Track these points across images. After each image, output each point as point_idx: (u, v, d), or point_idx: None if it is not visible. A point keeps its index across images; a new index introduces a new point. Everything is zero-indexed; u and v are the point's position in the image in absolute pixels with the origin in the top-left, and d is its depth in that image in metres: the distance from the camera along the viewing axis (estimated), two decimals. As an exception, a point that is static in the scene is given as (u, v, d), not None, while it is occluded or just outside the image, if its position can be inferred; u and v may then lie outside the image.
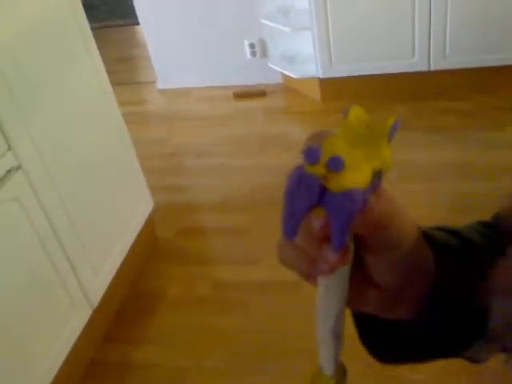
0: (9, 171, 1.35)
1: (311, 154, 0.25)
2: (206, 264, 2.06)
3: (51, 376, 1.49)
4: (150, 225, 2.10)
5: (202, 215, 2.34)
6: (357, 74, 2.66)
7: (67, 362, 1.56)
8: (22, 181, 1.39)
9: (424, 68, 2.57)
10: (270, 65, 2.98)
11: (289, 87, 3.05)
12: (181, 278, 2.01)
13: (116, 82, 1.83)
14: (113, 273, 1.80)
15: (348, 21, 2.53)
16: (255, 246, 2.07)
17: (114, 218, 1.84)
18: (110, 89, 1.82)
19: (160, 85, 3.35)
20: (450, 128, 2.50)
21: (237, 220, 2.24)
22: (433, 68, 2.56)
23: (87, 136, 1.70)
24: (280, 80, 3.07)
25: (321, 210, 0.25)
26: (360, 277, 0.31)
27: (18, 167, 1.38)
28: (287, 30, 2.71)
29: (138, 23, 3.31)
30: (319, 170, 0.25)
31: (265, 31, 2.93)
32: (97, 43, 1.75)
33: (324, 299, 0.31)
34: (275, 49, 2.99)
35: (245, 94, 3.08)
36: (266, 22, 2.82)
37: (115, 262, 1.82)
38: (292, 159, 2.54)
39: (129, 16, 4.07)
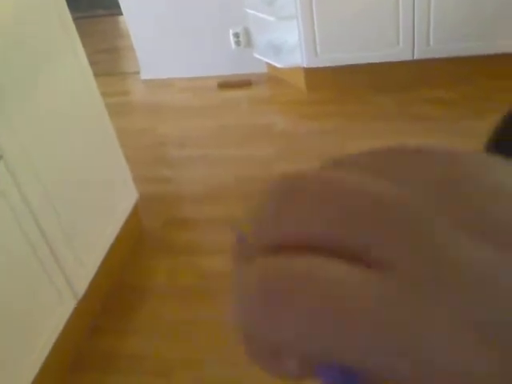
0: (-10, 162, 1.34)
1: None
2: (193, 254, 2.06)
3: (37, 367, 1.48)
4: (135, 215, 2.09)
5: (188, 206, 2.33)
6: (342, 63, 2.66)
7: (53, 353, 1.55)
8: (4, 171, 1.37)
9: (408, 57, 2.58)
10: (255, 54, 2.97)
11: (274, 77, 3.04)
12: (167, 268, 2.01)
13: (99, 73, 1.82)
14: (98, 264, 1.79)
15: (333, 10, 2.53)
16: (241, 236, 2.07)
17: (99, 208, 1.83)
18: (92, 80, 1.80)
19: (144, 75, 3.32)
20: (433, 117, 2.51)
21: (223, 210, 2.24)
22: (416, 57, 2.57)
23: (70, 127, 1.68)
24: (265, 70, 3.06)
25: None
26: None
27: (0, 158, 1.36)
28: (272, 19, 2.70)
29: (121, 13, 3.27)
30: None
31: (249, 20, 2.91)
32: (79, 34, 1.73)
33: None
34: (260, 38, 2.98)
35: (229, 84, 3.07)
36: (251, 11, 2.80)
37: (100, 253, 1.82)
38: (273, 149, 2.55)
39: (111, 6, 4.02)
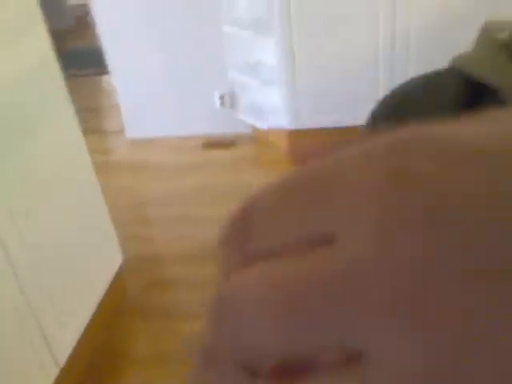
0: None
1: None
2: (178, 319, 2.01)
3: None
4: (119, 278, 2.05)
5: (172, 267, 2.30)
6: (324, 125, 2.73)
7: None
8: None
9: (388, 121, 2.65)
10: (239, 116, 3.03)
11: (258, 138, 3.10)
12: (151, 334, 1.95)
13: (83, 132, 1.83)
14: (81, 329, 1.74)
15: (315, 76, 2.62)
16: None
17: (83, 271, 1.79)
18: (82, 140, 1.80)
19: (128, 134, 3.34)
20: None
21: (206, 272, 2.21)
22: (397, 121, 2.65)
23: (58, 186, 1.67)
24: (249, 130, 3.12)
25: None
26: None
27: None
28: (256, 83, 2.78)
29: (106, 72, 3.33)
30: None
31: (234, 83, 2.99)
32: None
33: None
34: (244, 100, 3.05)
35: (213, 144, 3.11)
36: (235, 74, 2.88)
37: (84, 318, 1.76)
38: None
39: (96, 65, 4.09)
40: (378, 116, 0.50)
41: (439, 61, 0.48)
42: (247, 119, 2.99)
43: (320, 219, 0.13)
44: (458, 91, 0.44)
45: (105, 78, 4.14)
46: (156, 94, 3.14)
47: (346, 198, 0.13)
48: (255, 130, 3.06)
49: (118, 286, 2.03)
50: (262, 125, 2.89)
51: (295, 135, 2.83)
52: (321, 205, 0.13)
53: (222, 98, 3.09)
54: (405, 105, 0.48)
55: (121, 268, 2.06)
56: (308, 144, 2.83)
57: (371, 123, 0.51)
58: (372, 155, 0.13)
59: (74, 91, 1.82)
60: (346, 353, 0.13)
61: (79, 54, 4.72)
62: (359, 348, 0.12)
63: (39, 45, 1.60)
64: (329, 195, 0.13)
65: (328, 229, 0.13)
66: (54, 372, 1.58)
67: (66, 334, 1.65)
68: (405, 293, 0.12)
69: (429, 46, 2.44)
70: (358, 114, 2.79)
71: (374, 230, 0.12)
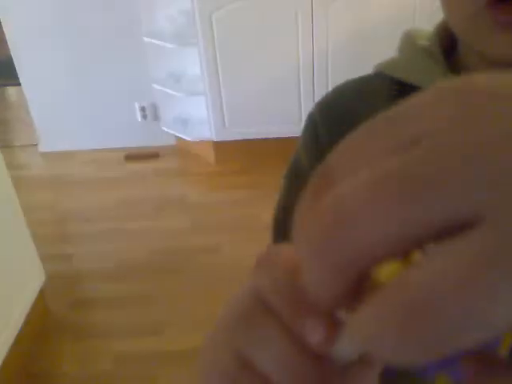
0: None
1: None
2: (106, 338, 1.92)
3: None
4: (42, 298, 1.93)
5: (97, 284, 2.20)
6: (249, 137, 2.76)
7: None
8: None
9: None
10: (163, 128, 2.98)
11: (182, 149, 3.06)
12: (78, 354, 1.85)
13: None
14: (4, 353, 1.61)
15: (240, 87, 2.64)
16: (158, 314, 1.98)
17: (3, 292, 1.67)
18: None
19: (42, 148, 3.18)
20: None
21: (134, 288, 2.14)
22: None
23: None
24: (173, 142, 3.07)
25: None
26: None
27: None
28: (180, 95, 2.75)
29: (17, 84, 3.15)
30: None
31: (156, 95, 2.94)
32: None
33: None
34: (168, 112, 3.01)
35: (137, 157, 3.03)
36: (158, 86, 2.84)
37: (6, 341, 1.64)
38: (187, 222, 2.53)
39: (5, 76, 3.86)
40: (317, 117, 0.53)
41: (357, 74, 0.53)
42: (172, 131, 2.95)
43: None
44: (388, 93, 0.48)
45: (12, 89, 3.93)
46: (72, 105, 3.02)
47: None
48: (180, 141, 3.03)
49: (40, 306, 1.91)
50: (186, 136, 2.86)
51: (220, 147, 2.83)
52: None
53: (143, 109, 3.03)
54: (340, 106, 0.51)
55: (43, 287, 1.94)
56: (233, 155, 2.84)
57: (310, 124, 0.54)
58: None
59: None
60: (460, 223, 0.14)
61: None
62: (473, 215, 0.14)
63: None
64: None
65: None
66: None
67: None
68: None
69: (346, 62, 2.54)
70: (283, 126, 2.87)
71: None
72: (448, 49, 0.46)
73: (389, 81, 0.47)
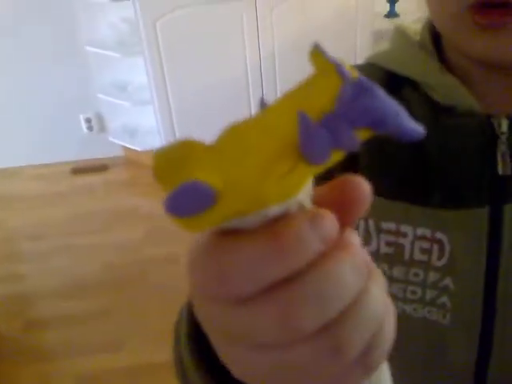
0: None
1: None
2: (64, 358, 1.86)
3: None
4: (-9, 322, 1.85)
5: (52, 303, 2.12)
6: (200, 144, 2.73)
7: None
8: None
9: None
10: (111, 139, 2.92)
11: (132, 160, 3.00)
12: (35, 378, 1.77)
13: None
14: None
15: (188, 94, 2.62)
16: (116, 329, 1.93)
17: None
18: None
19: (-15, 165, 3.05)
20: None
21: (90, 304, 2.08)
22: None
23: None
24: (121, 153, 3.01)
25: None
26: None
27: None
28: (127, 104, 2.70)
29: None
30: None
31: (102, 105, 2.88)
32: None
33: None
34: (115, 122, 2.95)
35: (84, 170, 2.95)
36: (103, 96, 2.78)
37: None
38: (141, 233, 2.47)
39: None
40: None
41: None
42: (119, 141, 2.89)
43: None
44: (381, 84, 0.47)
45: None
46: (16, 120, 2.92)
47: None
48: (128, 152, 2.97)
49: (-9, 331, 1.83)
50: (135, 146, 2.81)
51: (171, 155, 2.79)
52: None
53: (88, 121, 2.96)
54: None
55: (-7, 311, 1.86)
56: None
57: None
58: None
59: None
60: None
61: None
62: None
63: None
64: None
65: None
66: None
67: None
68: None
69: (294, 62, 2.57)
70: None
71: None
72: (436, 44, 0.48)
73: (382, 72, 0.49)
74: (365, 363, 0.18)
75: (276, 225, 0.17)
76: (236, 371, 0.20)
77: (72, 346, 1.90)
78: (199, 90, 2.63)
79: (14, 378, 1.77)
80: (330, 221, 0.18)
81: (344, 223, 0.19)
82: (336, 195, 0.19)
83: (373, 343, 0.18)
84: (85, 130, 2.98)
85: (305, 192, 0.18)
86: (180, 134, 2.71)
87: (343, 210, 0.19)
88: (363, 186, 0.19)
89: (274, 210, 0.17)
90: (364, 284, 0.18)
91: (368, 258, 0.19)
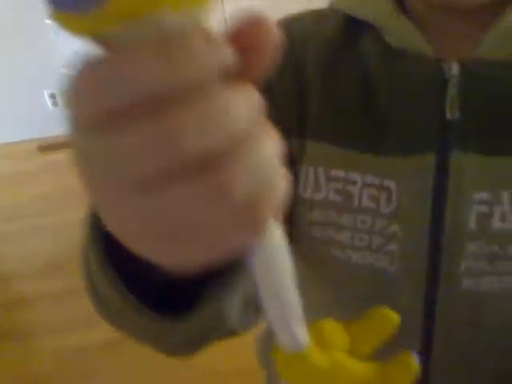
0: None
1: None
2: (41, 336, 1.86)
3: None
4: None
5: (25, 284, 2.11)
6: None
7: None
8: None
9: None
10: (76, 114, 2.87)
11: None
12: (15, 357, 1.78)
13: None
14: None
15: None
16: (91, 306, 1.94)
17: None
18: None
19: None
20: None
21: (67, 282, 2.08)
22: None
23: None
24: (89, 129, 2.96)
25: None
26: None
27: None
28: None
29: None
30: None
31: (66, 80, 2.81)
32: None
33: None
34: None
35: (51, 147, 2.90)
36: (67, 70, 2.71)
37: None
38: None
39: None
40: None
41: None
42: (86, 117, 2.84)
43: None
44: (341, 28, 0.48)
45: None
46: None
47: None
48: (96, 127, 2.92)
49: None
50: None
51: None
52: None
53: (53, 96, 2.89)
54: (300, 29, 0.50)
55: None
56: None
57: None
58: None
59: None
60: None
61: None
62: None
63: None
64: None
65: None
66: None
67: None
68: None
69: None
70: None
71: None
72: None
73: (342, 17, 0.48)
74: (250, 217, 0.17)
75: (168, 38, 0.16)
76: (112, 221, 0.18)
77: (50, 324, 1.91)
78: None
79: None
80: (228, 48, 0.17)
81: (249, 70, 0.18)
82: (241, 36, 0.18)
83: (260, 197, 0.17)
84: (50, 106, 2.92)
85: (202, 15, 0.17)
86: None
87: (248, 53, 0.18)
88: (270, 27, 0.18)
89: (168, 21, 0.16)
90: (257, 131, 0.17)
91: (264, 121, 0.18)
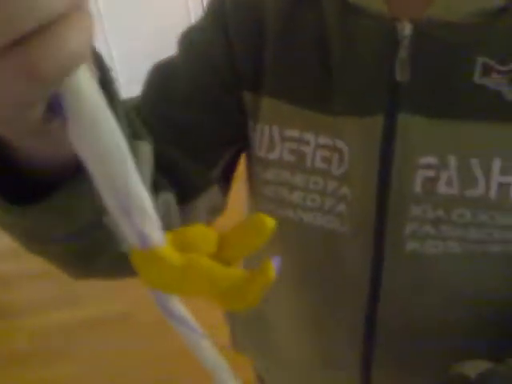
0: None
1: None
2: (18, 316, 1.86)
3: None
4: None
5: (8, 263, 2.10)
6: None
7: None
8: None
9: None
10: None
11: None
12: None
13: None
14: None
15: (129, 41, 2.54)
16: (69, 286, 1.94)
17: None
18: None
19: None
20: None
21: (41, 262, 2.06)
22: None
23: None
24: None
25: None
26: None
27: None
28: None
29: None
30: None
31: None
32: None
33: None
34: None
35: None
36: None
37: None
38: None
39: None
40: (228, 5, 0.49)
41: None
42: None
43: None
44: None
45: None
46: None
47: None
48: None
49: None
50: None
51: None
52: None
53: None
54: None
55: None
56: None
57: (218, 9, 0.49)
58: None
59: None
60: None
61: None
62: None
63: None
64: None
65: None
66: None
67: None
68: None
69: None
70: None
71: None
72: None
73: None
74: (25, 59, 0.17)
75: None
76: None
77: (24, 304, 1.91)
78: (140, 38, 2.55)
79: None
80: None
81: None
82: None
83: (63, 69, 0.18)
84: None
85: None
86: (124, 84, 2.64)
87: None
88: None
89: None
90: (68, 14, 0.18)
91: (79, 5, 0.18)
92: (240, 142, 0.50)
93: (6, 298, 1.93)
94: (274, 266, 0.23)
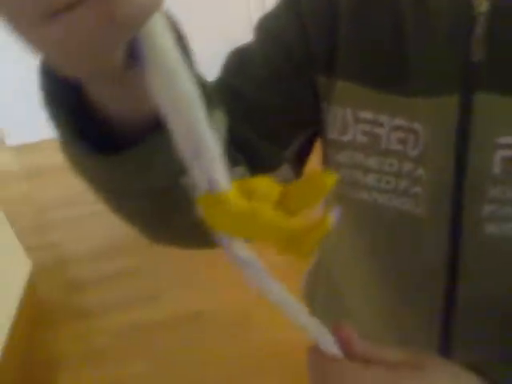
0: None
1: None
2: (101, 315, 1.96)
3: None
4: (31, 288, 1.95)
5: (85, 267, 2.22)
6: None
7: None
8: None
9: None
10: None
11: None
12: (76, 336, 1.88)
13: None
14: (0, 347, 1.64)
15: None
16: (150, 284, 2.02)
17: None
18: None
19: (9, 141, 3.13)
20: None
21: (124, 263, 2.17)
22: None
23: None
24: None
25: None
26: None
27: None
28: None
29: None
30: None
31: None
32: None
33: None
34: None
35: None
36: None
37: (1, 335, 1.66)
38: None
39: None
40: None
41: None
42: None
43: None
44: None
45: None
46: (32, 96, 2.96)
47: None
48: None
49: (31, 294, 1.93)
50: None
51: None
52: None
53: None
54: None
55: (31, 278, 1.96)
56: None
57: None
58: None
59: None
60: None
61: None
62: None
63: None
64: None
65: None
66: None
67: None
68: None
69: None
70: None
71: None
72: None
73: None
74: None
75: None
76: (39, 49, 0.21)
77: (106, 304, 2.00)
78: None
79: (57, 338, 1.88)
80: None
81: None
82: None
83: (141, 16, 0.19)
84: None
85: None
86: None
87: None
88: None
89: None
90: None
91: None
92: (314, 125, 0.50)
93: (84, 300, 2.03)
94: (332, 217, 0.25)
